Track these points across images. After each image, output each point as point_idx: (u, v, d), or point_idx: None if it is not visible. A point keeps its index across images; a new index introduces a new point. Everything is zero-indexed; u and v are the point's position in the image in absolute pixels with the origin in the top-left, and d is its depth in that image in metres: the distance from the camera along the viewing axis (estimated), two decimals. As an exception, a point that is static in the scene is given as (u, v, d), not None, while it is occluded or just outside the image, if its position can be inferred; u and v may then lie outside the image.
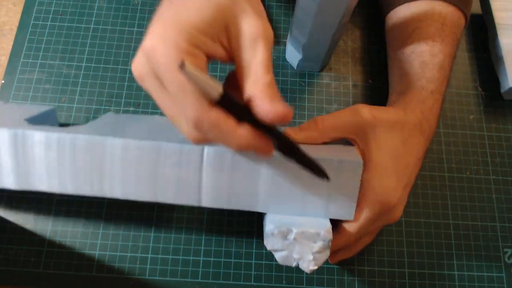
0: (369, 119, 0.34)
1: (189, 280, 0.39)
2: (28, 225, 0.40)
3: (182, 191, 0.32)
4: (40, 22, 0.48)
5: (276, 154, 0.28)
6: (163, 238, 0.40)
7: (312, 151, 0.31)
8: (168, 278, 0.39)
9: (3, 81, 0.45)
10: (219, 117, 0.24)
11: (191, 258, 0.40)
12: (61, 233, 0.40)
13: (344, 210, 0.33)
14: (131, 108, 0.44)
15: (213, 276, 0.39)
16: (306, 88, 0.47)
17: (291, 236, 0.32)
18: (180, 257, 0.40)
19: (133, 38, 0.48)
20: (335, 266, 0.40)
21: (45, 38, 0.47)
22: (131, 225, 0.40)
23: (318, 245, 0.32)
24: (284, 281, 0.40)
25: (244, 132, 0.25)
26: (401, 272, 0.41)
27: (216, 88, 0.23)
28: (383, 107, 0.36)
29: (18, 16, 0.48)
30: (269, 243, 0.32)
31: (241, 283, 0.39)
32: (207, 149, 0.32)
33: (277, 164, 0.32)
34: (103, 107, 0.44)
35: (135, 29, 0.48)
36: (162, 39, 0.24)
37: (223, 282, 0.39)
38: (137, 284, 0.39)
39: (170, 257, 0.40)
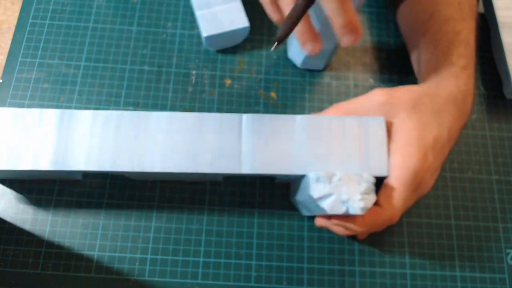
0: (384, 101, 0.36)
1: (188, 281, 0.39)
2: (26, 225, 0.40)
3: (223, 160, 0.34)
4: (39, 21, 0.47)
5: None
6: (162, 239, 0.40)
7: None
8: (167, 279, 0.39)
9: (1, 81, 0.44)
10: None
11: (190, 259, 0.40)
12: (59, 234, 0.40)
13: (377, 166, 0.35)
14: (130, 108, 0.44)
15: (213, 277, 0.39)
16: (307, 87, 0.47)
17: (336, 178, 0.33)
18: (180, 258, 0.40)
19: (132, 37, 0.47)
20: (335, 267, 0.40)
21: (43, 37, 0.46)
22: (130, 225, 0.40)
23: (363, 186, 0.33)
24: (284, 282, 0.39)
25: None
26: (402, 273, 0.40)
27: None
28: (405, 86, 0.37)
29: (16, 14, 0.48)
30: (316, 190, 0.33)
31: (241, 284, 0.39)
32: (245, 117, 0.35)
33: (311, 126, 0.35)
34: (102, 106, 0.44)
35: (134, 28, 0.48)
36: None
37: (223, 283, 0.39)
38: (136, 285, 0.38)
39: (170, 258, 0.39)
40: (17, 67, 0.45)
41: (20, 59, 0.45)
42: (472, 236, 0.42)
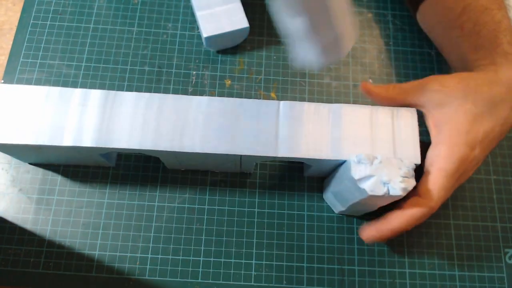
0: (436, 88, 0.36)
1: (189, 280, 0.39)
2: (27, 225, 0.40)
3: (260, 143, 0.35)
4: (40, 22, 0.47)
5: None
6: (163, 238, 0.40)
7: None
8: (168, 279, 0.39)
9: (2, 81, 0.45)
10: None
11: (191, 258, 0.40)
12: (60, 233, 0.40)
13: (409, 154, 0.36)
14: (131, 108, 0.44)
15: (213, 276, 0.39)
16: (307, 88, 0.47)
17: (377, 161, 0.33)
18: (180, 257, 0.40)
19: (133, 38, 0.48)
20: (335, 266, 0.40)
21: (44, 38, 0.47)
22: (131, 225, 0.40)
23: (404, 170, 0.33)
24: (284, 281, 0.40)
25: None
26: (402, 272, 0.40)
27: None
28: (461, 73, 0.37)
29: (18, 15, 0.48)
30: (357, 172, 0.33)
31: (241, 283, 0.39)
32: (282, 103, 0.37)
33: (345, 114, 0.36)
34: (102, 107, 0.44)
35: (135, 28, 0.48)
36: None
37: (223, 282, 0.39)
38: (136, 285, 0.39)
39: (170, 257, 0.40)
40: (19, 67, 0.45)
41: (21, 59, 0.46)
42: (471, 236, 0.42)
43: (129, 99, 0.36)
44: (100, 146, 0.34)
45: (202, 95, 0.37)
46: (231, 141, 0.35)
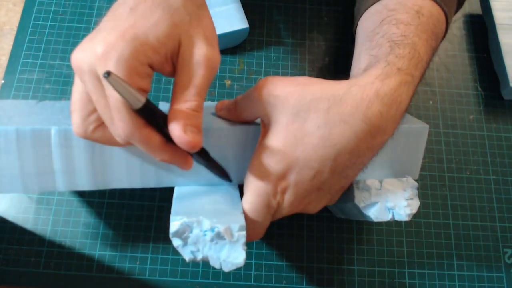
0: (266, 93, 0.29)
1: (189, 280, 0.39)
2: (28, 225, 0.40)
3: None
4: (40, 22, 0.48)
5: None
6: (163, 238, 0.40)
7: None
8: (168, 278, 0.39)
9: (3, 81, 0.45)
10: (149, 135, 0.25)
11: (191, 258, 0.40)
12: (61, 233, 0.40)
13: (409, 168, 0.34)
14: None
15: (213, 276, 0.39)
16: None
17: (380, 186, 0.32)
18: (180, 257, 0.40)
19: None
20: (335, 266, 0.40)
21: (45, 38, 0.47)
22: (131, 225, 0.40)
23: (408, 192, 0.32)
24: (284, 281, 0.40)
25: (171, 148, 0.26)
26: (401, 272, 0.41)
27: (139, 98, 0.23)
28: (306, 79, 0.29)
29: (18, 16, 0.48)
30: (361, 199, 0.32)
31: (241, 283, 0.39)
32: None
33: None
34: (103, 107, 0.44)
35: (135, 29, 0.48)
36: (117, 55, 0.24)
37: (223, 282, 0.39)
38: (137, 284, 0.39)
39: (170, 257, 0.40)
40: (19, 68, 0.45)
41: (22, 60, 0.46)
42: (470, 236, 0.42)
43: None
44: (98, 189, 0.31)
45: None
46: (237, 170, 0.32)
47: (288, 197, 0.30)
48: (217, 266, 0.28)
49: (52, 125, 0.30)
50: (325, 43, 0.49)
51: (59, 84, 0.45)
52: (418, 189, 0.33)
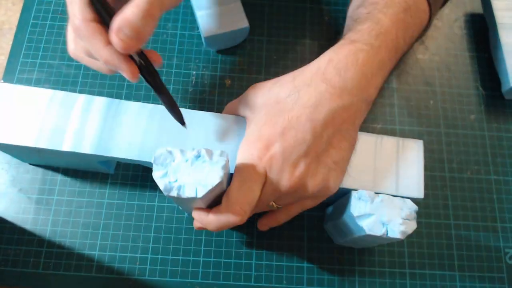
0: (247, 93, 0.34)
1: (189, 280, 0.39)
2: (27, 225, 0.40)
3: None
4: (40, 22, 0.47)
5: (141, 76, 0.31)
6: (162, 239, 0.40)
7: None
8: (167, 279, 0.39)
9: (2, 81, 0.45)
10: (95, 29, 0.26)
11: (191, 258, 0.40)
12: (60, 234, 0.40)
13: (412, 188, 0.35)
14: (131, 108, 0.44)
15: (213, 276, 0.39)
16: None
17: (379, 199, 0.32)
18: (180, 257, 0.40)
19: (133, 37, 0.47)
20: (335, 266, 0.40)
21: (44, 38, 0.47)
22: (131, 225, 0.40)
23: (406, 212, 0.32)
24: (284, 282, 0.39)
25: (112, 49, 0.27)
26: (402, 272, 0.40)
27: None
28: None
29: (17, 15, 0.48)
30: (356, 208, 0.32)
31: (241, 283, 0.39)
32: None
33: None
34: (102, 107, 0.44)
35: (135, 28, 0.48)
36: None
37: (223, 282, 0.39)
38: (136, 285, 0.39)
39: (170, 257, 0.40)
40: (18, 67, 0.45)
41: (21, 59, 0.46)
42: (471, 236, 0.42)
43: (132, 109, 0.35)
44: (99, 153, 0.34)
45: (206, 111, 0.36)
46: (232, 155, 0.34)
47: (276, 161, 0.30)
48: (192, 194, 0.28)
49: (81, 94, 0.36)
50: (325, 43, 0.49)
51: (59, 83, 0.45)
52: (416, 212, 0.32)
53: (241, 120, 0.36)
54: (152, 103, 0.36)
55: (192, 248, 0.40)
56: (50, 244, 0.39)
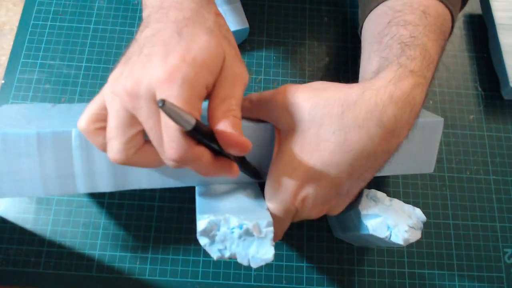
0: (286, 100, 0.29)
1: (189, 280, 0.39)
2: (28, 225, 0.40)
3: None
4: (40, 22, 0.48)
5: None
6: (163, 238, 0.40)
7: None
8: (168, 278, 0.39)
9: (3, 81, 0.45)
10: (201, 153, 0.25)
11: (191, 258, 0.40)
12: (61, 233, 0.40)
13: (424, 162, 0.34)
14: (131, 108, 0.44)
15: (213, 276, 0.39)
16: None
17: (388, 202, 0.32)
18: (180, 257, 0.40)
19: (133, 38, 0.48)
20: (334, 266, 0.40)
21: (45, 38, 0.47)
22: (131, 225, 0.40)
23: (413, 220, 0.32)
24: (284, 281, 0.40)
25: (217, 164, 0.27)
26: (401, 272, 0.41)
27: (189, 120, 0.23)
28: (325, 84, 0.30)
29: (18, 16, 0.48)
30: (365, 207, 0.32)
31: (241, 283, 0.39)
32: None
33: None
34: (103, 107, 0.44)
35: (135, 29, 0.48)
36: (182, 77, 0.24)
37: (223, 282, 0.39)
38: (137, 284, 0.39)
39: (170, 257, 0.40)
40: (19, 67, 0.45)
41: (22, 60, 0.46)
42: (470, 236, 0.42)
43: None
44: (119, 189, 0.31)
45: None
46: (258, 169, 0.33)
47: (307, 205, 0.30)
48: (245, 263, 0.28)
49: (72, 128, 0.30)
50: (325, 43, 0.49)
51: (59, 84, 0.45)
52: (423, 223, 0.32)
53: (263, 128, 0.32)
54: None
55: (192, 247, 0.40)
56: (51, 243, 0.39)
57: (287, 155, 0.29)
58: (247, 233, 0.27)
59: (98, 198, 0.41)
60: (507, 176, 0.44)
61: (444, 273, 0.41)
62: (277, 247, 0.41)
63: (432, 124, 0.34)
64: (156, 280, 0.39)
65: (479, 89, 0.48)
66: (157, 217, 0.41)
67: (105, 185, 0.31)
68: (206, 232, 0.28)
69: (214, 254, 0.28)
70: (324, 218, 0.42)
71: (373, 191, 0.33)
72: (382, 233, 0.31)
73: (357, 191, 0.31)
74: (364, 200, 0.33)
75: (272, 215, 0.29)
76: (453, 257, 0.41)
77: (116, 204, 0.41)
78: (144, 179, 0.31)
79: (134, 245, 0.40)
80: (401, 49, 0.31)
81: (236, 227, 0.27)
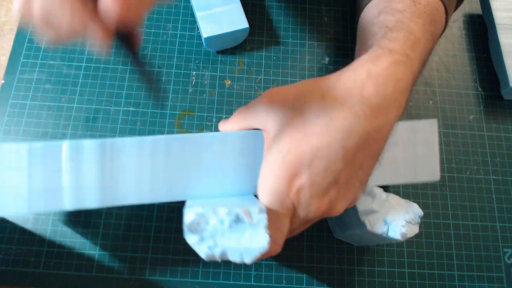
0: (266, 102, 0.30)
1: (189, 280, 0.39)
2: (28, 225, 0.40)
3: None
4: (40, 22, 0.47)
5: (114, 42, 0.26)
6: (163, 238, 0.40)
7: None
8: (168, 278, 0.39)
9: (3, 81, 0.45)
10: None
11: (191, 258, 0.40)
12: (61, 233, 0.40)
13: (429, 171, 0.33)
14: (131, 108, 0.44)
15: (213, 276, 0.39)
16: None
17: (385, 197, 0.32)
18: (180, 257, 0.40)
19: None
20: (334, 266, 0.40)
21: (45, 38, 0.47)
22: (131, 225, 0.40)
23: (411, 215, 0.31)
24: (284, 281, 0.40)
25: (93, 20, 0.23)
26: (400, 272, 0.41)
27: None
28: (300, 81, 0.30)
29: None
30: (361, 203, 0.31)
31: (241, 283, 0.39)
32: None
33: None
34: (103, 107, 0.44)
35: (135, 29, 0.48)
36: None
37: (223, 282, 0.39)
38: (137, 284, 0.39)
39: (170, 257, 0.40)
40: (19, 67, 0.45)
41: (22, 60, 0.46)
42: (470, 236, 0.42)
43: (129, 146, 0.31)
44: (107, 205, 0.30)
45: (209, 131, 0.34)
46: (252, 182, 0.31)
47: (304, 196, 0.28)
48: (238, 259, 0.26)
49: (63, 141, 0.30)
50: (325, 43, 0.49)
51: (59, 84, 0.45)
52: (421, 218, 0.32)
53: (251, 135, 0.32)
54: (151, 135, 0.32)
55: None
56: (51, 243, 0.39)
57: (276, 148, 0.28)
58: (238, 220, 0.26)
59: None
60: (507, 176, 0.44)
61: (444, 273, 0.41)
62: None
63: (425, 125, 0.34)
64: (156, 280, 0.39)
65: (479, 89, 0.48)
66: (157, 217, 0.41)
67: (92, 200, 0.30)
68: (193, 226, 0.26)
69: (203, 253, 0.26)
70: (324, 218, 0.42)
71: (369, 186, 0.32)
72: (379, 229, 0.31)
73: (358, 183, 0.29)
74: (363, 195, 0.32)
75: (268, 213, 0.27)
76: (453, 257, 0.41)
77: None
78: (133, 193, 0.31)
79: (134, 245, 0.40)
80: (384, 33, 0.31)
81: (226, 215, 0.25)
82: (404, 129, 0.33)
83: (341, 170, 0.28)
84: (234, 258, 0.26)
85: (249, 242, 0.25)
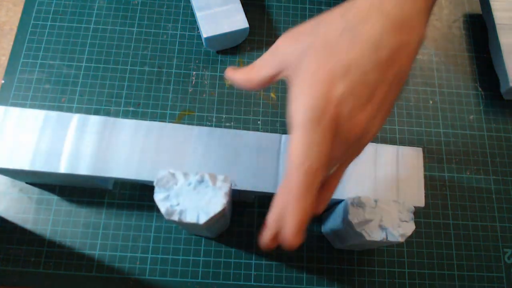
0: (289, 39, 0.29)
1: (189, 280, 0.39)
2: (28, 225, 0.40)
3: (260, 178, 0.35)
4: (40, 22, 0.48)
5: None
6: (163, 238, 0.40)
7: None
8: (168, 278, 0.39)
9: (3, 81, 0.45)
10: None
11: (191, 258, 0.40)
12: (61, 233, 0.40)
13: (413, 197, 0.35)
14: (131, 108, 0.44)
15: (213, 276, 0.39)
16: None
17: (375, 204, 0.32)
18: (180, 257, 0.40)
19: (133, 38, 0.48)
20: (335, 266, 0.40)
21: (45, 38, 0.47)
22: (131, 225, 0.40)
23: (403, 213, 0.32)
24: (284, 281, 0.40)
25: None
26: (400, 271, 0.41)
27: None
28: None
29: (18, 16, 0.48)
30: (355, 215, 0.32)
31: (241, 283, 0.39)
32: (284, 137, 0.36)
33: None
34: (103, 107, 0.44)
35: (135, 29, 0.48)
36: None
37: (223, 282, 0.39)
38: (137, 284, 0.39)
39: (170, 257, 0.40)
40: (19, 68, 0.45)
41: (22, 60, 0.46)
42: (470, 235, 0.42)
43: (128, 126, 0.35)
44: (96, 174, 0.34)
45: (201, 125, 0.37)
46: (230, 175, 0.33)
47: (346, 104, 0.26)
48: (193, 219, 0.28)
49: (75, 114, 0.36)
50: (325, 43, 0.49)
51: (59, 84, 0.45)
52: (413, 212, 0.33)
53: (240, 134, 0.36)
54: (149, 120, 0.36)
55: (192, 247, 0.40)
56: (51, 243, 0.39)
57: (305, 68, 0.27)
58: (202, 181, 0.28)
59: (98, 198, 0.41)
60: (507, 176, 0.45)
61: (444, 272, 0.41)
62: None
63: (411, 152, 0.36)
64: (156, 280, 0.39)
65: (479, 89, 0.48)
66: (157, 217, 0.41)
67: (85, 167, 0.34)
68: (162, 183, 0.29)
69: (164, 208, 0.28)
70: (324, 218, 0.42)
71: (356, 197, 0.33)
72: (378, 236, 0.32)
73: (388, 103, 0.28)
74: (352, 210, 0.33)
75: (296, 124, 0.25)
76: (453, 257, 0.41)
77: (116, 204, 0.41)
78: (121, 168, 0.34)
79: (134, 245, 0.40)
80: None
81: (193, 177, 0.29)
82: (390, 152, 0.36)
83: (375, 82, 0.26)
84: (191, 218, 0.28)
85: (207, 204, 0.28)
